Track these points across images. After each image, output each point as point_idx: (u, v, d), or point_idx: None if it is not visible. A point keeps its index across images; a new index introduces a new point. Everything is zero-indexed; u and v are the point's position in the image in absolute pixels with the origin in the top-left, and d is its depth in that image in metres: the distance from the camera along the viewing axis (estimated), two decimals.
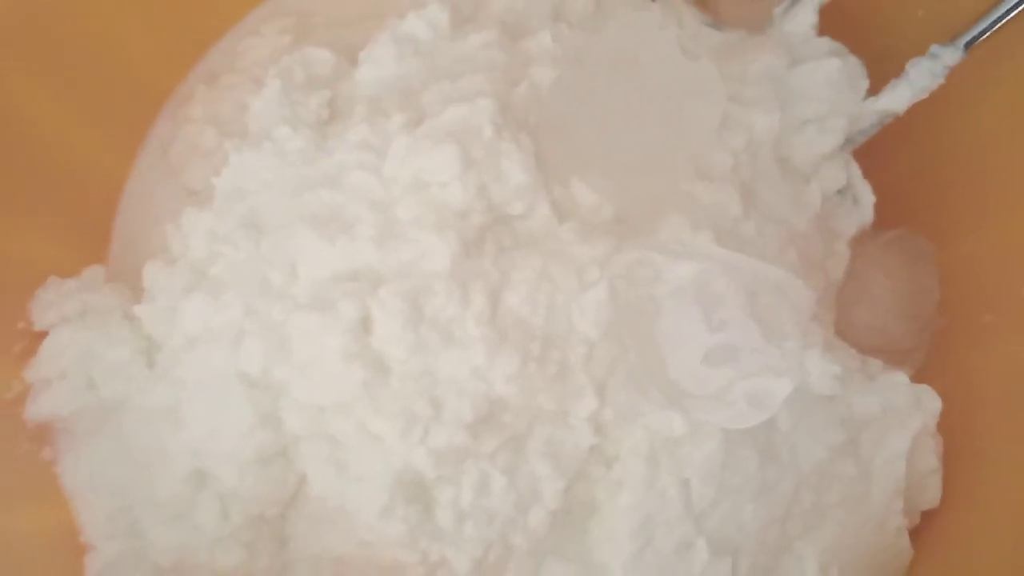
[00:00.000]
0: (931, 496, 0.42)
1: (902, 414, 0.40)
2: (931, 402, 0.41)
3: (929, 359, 0.46)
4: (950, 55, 0.42)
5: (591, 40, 0.38)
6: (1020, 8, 0.41)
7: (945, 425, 0.43)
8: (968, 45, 0.42)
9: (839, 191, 0.45)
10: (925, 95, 0.43)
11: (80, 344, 0.39)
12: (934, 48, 0.43)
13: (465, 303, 0.35)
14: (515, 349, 0.35)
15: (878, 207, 0.46)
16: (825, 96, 0.44)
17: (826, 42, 0.45)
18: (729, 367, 0.34)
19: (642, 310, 0.35)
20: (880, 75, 0.45)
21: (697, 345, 0.34)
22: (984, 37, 0.42)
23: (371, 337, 0.36)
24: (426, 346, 0.35)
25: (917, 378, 0.43)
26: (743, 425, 0.35)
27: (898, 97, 0.44)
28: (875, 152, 0.46)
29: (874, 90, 0.44)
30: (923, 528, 0.42)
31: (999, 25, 0.41)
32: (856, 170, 0.46)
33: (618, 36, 0.38)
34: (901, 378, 0.41)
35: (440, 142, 0.37)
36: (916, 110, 0.44)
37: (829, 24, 0.46)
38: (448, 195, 0.37)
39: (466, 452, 0.35)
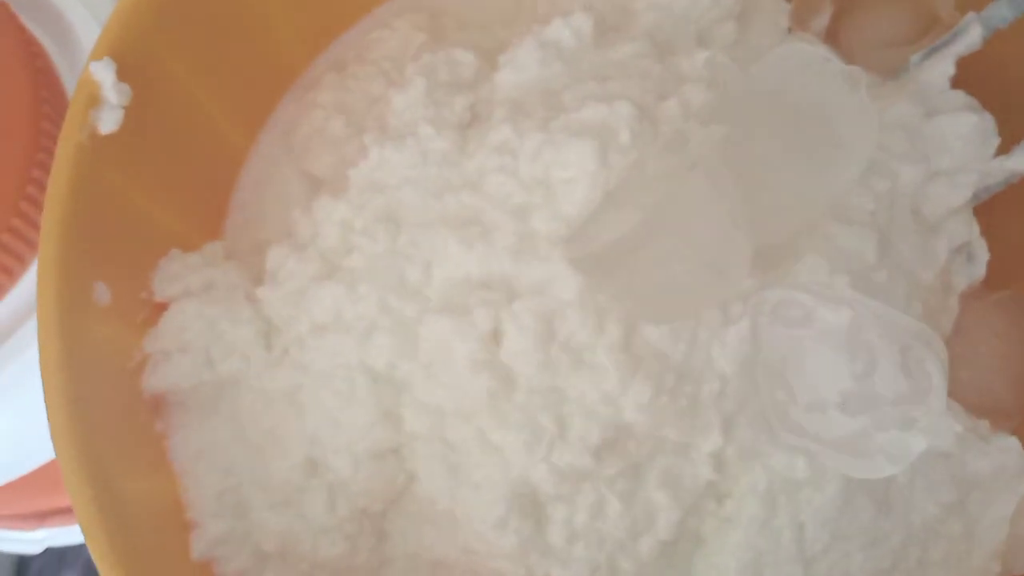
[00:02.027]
0: None
1: (1011, 478, 0.40)
2: None
3: None
4: None
5: (749, 69, 0.38)
6: None
7: None
8: None
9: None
10: None
11: (203, 319, 0.39)
12: None
13: (599, 332, 0.35)
14: (649, 379, 0.34)
15: (988, 265, 0.46)
16: (958, 150, 0.43)
17: (961, 95, 0.45)
18: (866, 416, 0.33)
19: (782, 350, 0.34)
20: (1008, 133, 0.45)
21: (836, 391, 0.34)
22: None
23: (500, 349, 0.36)
24: (556, 366, 0.35)
25: None
26: (871, 475, 0.34)
27: None
28: (989, 209, 0.46)
29: (1004, 148, 0.44)
30: None
31: None
32: (976, 227, 0.46)
33: (777, 66, 0.38)
34: (1013, 443, 0.40)
35: (577, 135, 0.37)
36: None
37: (961, 76, 0.46)
38: (575, 195, 0.36)
39: (587, 474, 0.35)
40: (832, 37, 0.48)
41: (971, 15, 0.44)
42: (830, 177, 0.38)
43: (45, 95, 0.44)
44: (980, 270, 0.46)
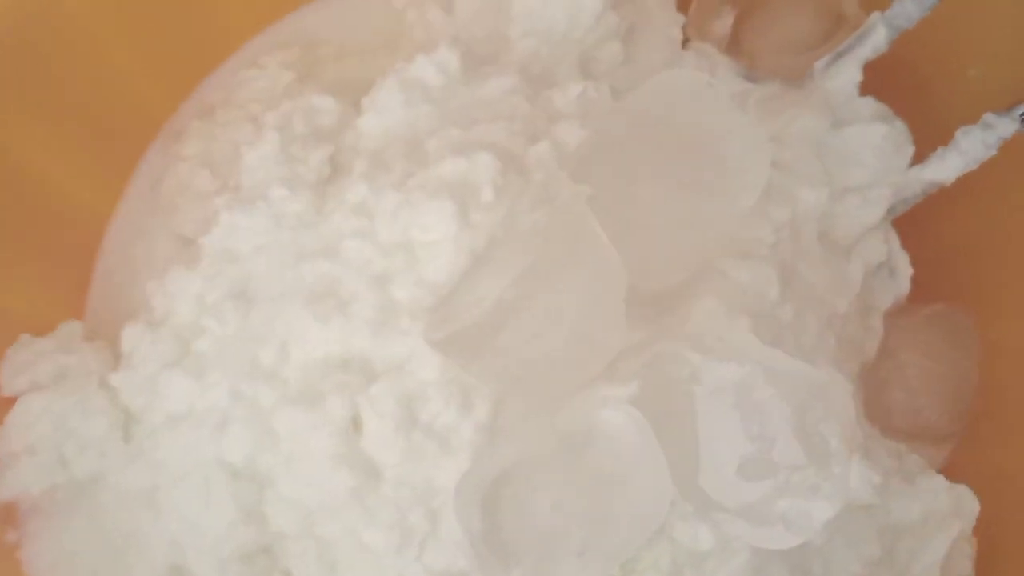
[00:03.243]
0: None
1: (940, 521, 0.37)
2: (970, 505, 0.39)
3: (962, 446, 0.43)
4: (1005, 126, 0.39)
5: (626, 97, 0.35)
6: None
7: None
8: None
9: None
10: (975, 166, 0.40)
11: (53, 415, 0.36)
12: (988, 117, 0.39)
13: (465, 411, 0.32)
14: None
15: (916, 279, 0.43)
16: (869, 163, 0.40)
17: (870, 103, 0.42)
18: (766, 482, 0.30)
19: (675, 411, 0.31)
20: (925, 139, 0.42)
21: (732, 454, 0.31)
22: None
23: (361, 438, 0.33)
24: (422, 453, 0.32)
25: (949, 467, 0.41)
26: (776, 546, 0.31)
27: (947, 167, 0.40)
28: (914, 220, 0.43)
29: (919, 156, 0.41)
30: None
31: None
32: (895, 240, 0.43)
33: (657, 95, 0.34)
34: (940, 482, 0.38)
35: (435, 194, 0.34)
36: (962, 177, 0.41)
37: (870, 81, 0.42)
38: (438, 260, 0.33)
39: (466, 573, 0.32)
40: (734, 44, 0.45)
41: (875, 15, 0.41)
42: (720, 209, 0.35)
43: None
44: (904, 286, 0.43)
